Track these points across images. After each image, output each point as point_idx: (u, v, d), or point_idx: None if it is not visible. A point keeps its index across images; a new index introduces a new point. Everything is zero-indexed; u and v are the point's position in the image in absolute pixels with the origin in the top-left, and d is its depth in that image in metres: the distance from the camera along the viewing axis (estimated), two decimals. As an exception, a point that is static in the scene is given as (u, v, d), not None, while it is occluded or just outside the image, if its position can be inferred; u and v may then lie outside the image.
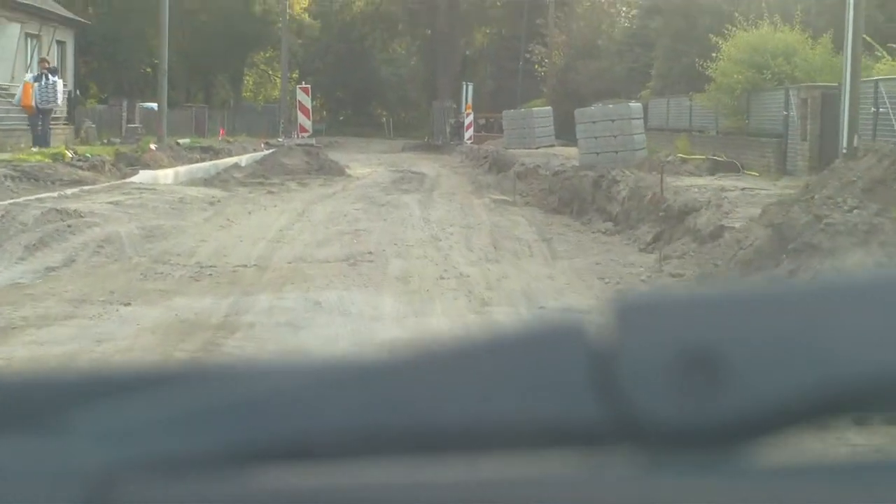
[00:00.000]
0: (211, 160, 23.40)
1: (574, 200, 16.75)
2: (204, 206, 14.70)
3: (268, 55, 57.25)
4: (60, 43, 27.61)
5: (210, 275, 9.25)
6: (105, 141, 24.09)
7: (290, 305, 7.82)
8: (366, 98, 60.63)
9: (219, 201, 15.48)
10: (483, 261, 10.69)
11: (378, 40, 60.20)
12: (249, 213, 14.45)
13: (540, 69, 39.12)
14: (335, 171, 23.00)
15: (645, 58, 31.06)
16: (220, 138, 27.85)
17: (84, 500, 0.49)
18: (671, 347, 0.48)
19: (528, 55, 41.81)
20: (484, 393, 0.50)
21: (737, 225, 9.87)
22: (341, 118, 61.05)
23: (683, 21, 27.04)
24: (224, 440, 0.50)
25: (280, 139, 28.34)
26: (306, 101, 24.89)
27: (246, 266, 9.82)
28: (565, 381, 0.49)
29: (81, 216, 11.66)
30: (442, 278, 9.29)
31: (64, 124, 24.22)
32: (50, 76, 21.50)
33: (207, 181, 20.20)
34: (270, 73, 59.14)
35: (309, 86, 25.65)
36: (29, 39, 25.28)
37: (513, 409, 0.49)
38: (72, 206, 12.24)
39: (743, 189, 13.62)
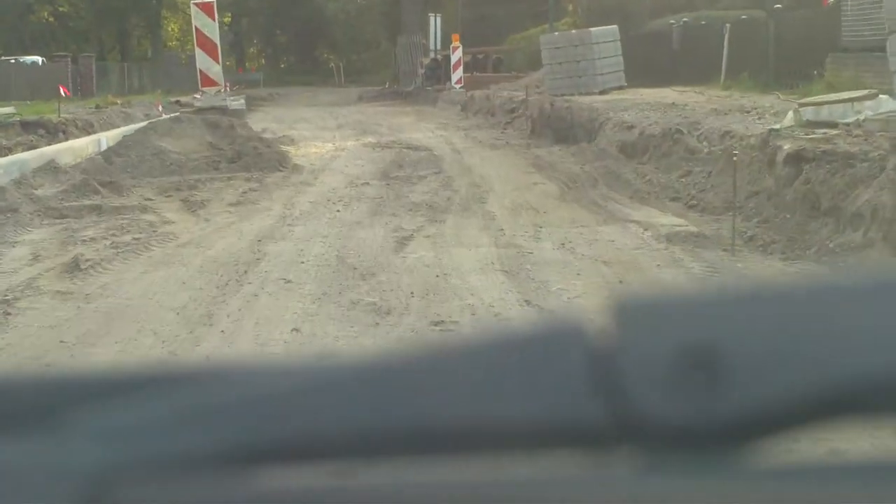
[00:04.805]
0: (30, 148, 11.12)
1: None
2: None
3: (194, -5, 45.18)
4: None
5: None
6: None
7: None
8: (310, 41, 48.77)
9: None
10: None
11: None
12: None
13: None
14: (268, 161, 10.82)
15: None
16: (61, 98, 14.94)
17: (84, 499, 0.47)
18: (671, 347, 0.45)
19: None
20: (483, 393, 0.47)
21: None
22: (283, 66, 49.16)
23: None
24: (224, 440, 0.48)
25: (197, 95, 16.33)
26: (210, 27, 12.38)
27: None
28: (565, 382, 0.46)
29: None
30: None
31: None
32: None
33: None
34: (198, 17, 47.10)
35: (213, 0, 12.90)
36: None
37: (513, 410, 0.47)
38: None
39: None
